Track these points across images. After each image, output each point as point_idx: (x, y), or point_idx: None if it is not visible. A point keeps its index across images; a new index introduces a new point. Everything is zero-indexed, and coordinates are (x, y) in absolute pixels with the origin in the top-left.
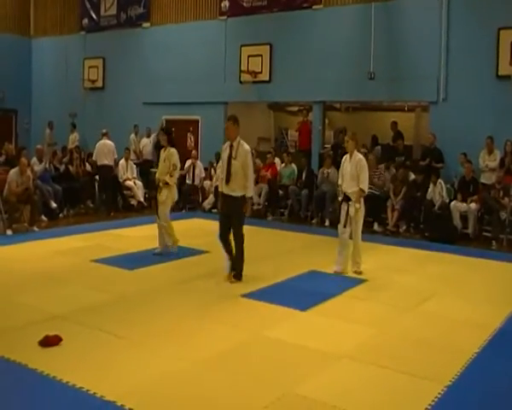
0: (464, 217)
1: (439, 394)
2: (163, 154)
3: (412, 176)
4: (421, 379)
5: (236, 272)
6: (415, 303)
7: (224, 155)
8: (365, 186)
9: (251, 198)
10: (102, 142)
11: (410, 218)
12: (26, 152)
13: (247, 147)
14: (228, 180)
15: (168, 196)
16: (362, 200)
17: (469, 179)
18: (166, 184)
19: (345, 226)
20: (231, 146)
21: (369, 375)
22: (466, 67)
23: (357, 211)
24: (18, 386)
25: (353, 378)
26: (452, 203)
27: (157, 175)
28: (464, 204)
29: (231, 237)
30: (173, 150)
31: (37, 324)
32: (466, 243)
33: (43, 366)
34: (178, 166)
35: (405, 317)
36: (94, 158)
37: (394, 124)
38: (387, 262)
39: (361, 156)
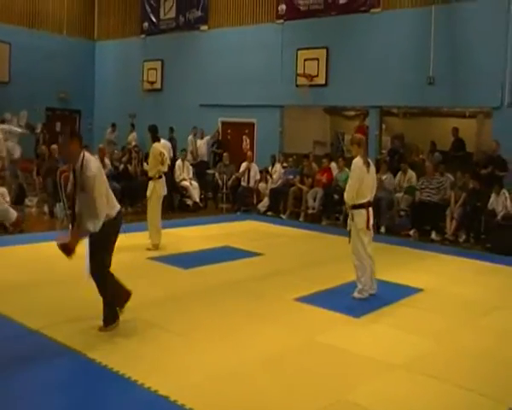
0: None
1: None
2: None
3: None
4: (482, 397)
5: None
6: (475, 316)
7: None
8: (346, 194)
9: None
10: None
11: (470, 227)
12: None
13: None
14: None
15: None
16: (356, 212)
17: None
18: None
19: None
20: (73, 170)
21: (425, 387)
22: None
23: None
24: (76, 374)
25: (408, 390)
26: None
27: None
28: None
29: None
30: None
31: (96, 318)
32: None
33: (101, 356)
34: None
35: (465, 330)
36: None
37: (455, 130)
38: (445, 272)
39: (354, 160)
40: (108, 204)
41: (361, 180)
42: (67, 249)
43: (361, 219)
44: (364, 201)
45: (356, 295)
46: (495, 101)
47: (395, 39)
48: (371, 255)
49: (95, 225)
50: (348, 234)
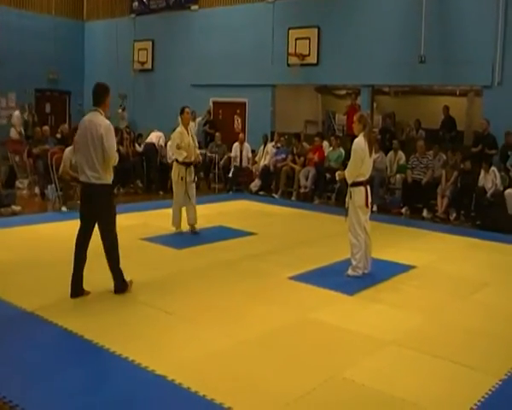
0: None
1: (494, 387)
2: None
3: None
4: (473, 370)
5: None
6: (467, 292)
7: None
8: (347, 173)
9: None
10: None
11: (461, 205)
12: None
13: None
14: None
15: None
16: (355, 190)
17: None
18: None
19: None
20: None
21: (418, 362)
22: None
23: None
24: (73, 354)
25: (401, 365)
26: (507, 191)
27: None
28: None
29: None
30: None
31: (90, 298)
32: None
33: (98, 337)
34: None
35: (457, 305)
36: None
37: (446, 108)
38: (437, 249)
39: (356, 140)
40: None
41: (362, 160)
42: None
43: (360, 197)
44: (363, 179)
45: (350, 272)
46: (485, 79)
47: (386, 18)
48: (369, 234)
49: None
50: (345, 211)
